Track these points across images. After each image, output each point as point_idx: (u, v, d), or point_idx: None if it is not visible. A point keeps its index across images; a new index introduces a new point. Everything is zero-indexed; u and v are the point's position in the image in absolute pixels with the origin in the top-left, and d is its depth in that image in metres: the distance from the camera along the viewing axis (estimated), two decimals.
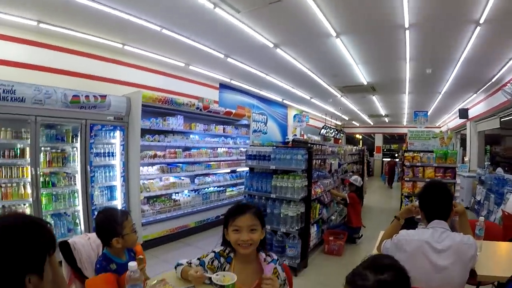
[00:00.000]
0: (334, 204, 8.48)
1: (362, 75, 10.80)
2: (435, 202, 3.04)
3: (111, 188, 6.93)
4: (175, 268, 2.74)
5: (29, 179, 5.63)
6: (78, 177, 6.29)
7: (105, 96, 6.48)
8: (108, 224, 2.80)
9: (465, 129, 16.26)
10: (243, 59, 9.38)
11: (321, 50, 8.40)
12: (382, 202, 14.22)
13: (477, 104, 13.97)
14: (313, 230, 6.71)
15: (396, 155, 24.71)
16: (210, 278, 2.35)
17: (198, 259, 2.69)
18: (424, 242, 2.82)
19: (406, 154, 9.55)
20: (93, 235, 3.12)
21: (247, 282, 2.44)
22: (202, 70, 10.30)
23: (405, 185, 9.31)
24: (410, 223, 3.40)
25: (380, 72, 10.56)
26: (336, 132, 19.22)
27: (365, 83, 11.75)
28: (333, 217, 8.48)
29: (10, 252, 1.38)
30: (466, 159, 15.80)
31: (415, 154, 9.23)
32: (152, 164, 7.67)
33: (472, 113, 14.70)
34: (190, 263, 2.67)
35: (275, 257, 2.62)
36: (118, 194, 6.96)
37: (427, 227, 3.00)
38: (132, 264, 2.05)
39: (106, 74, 8.04)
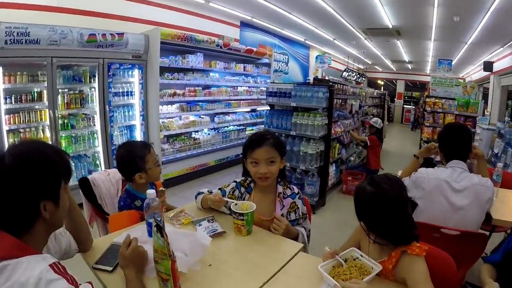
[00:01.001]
0: (353, 145, 8.47)
1: (387, 18, 10.40)
2: (454, 142, 3.04)
3: (130, 128, 6.95)
4: (195, 197, 2.77)
5: (47, 122, 5.58)
6: (97, 118, 6.25)
7: (123, 34, 6.35)
8: (129, 159, 2.69)
9: (488, 82, 15.88)
10: None
11: None
12: (401, 147, 14.18)
13: (503, 58, 13.56)
14: (332, 169, 6.73)
15: (417, 103, 24.31)
16: (230, 208, 2.37)
17: (219, 189, 2.71)
18: (443, 181, 2.85)
19: (427, 100, 9.40)
20: (113, 170, 3.16)
21: (265, 213, 2.46)
22: (222, 7, 9.99)
23: (424, 130, 9.22)
24: (428, 164, 3.38)
25: (406, 16, 10.15)
26: (358, 75, 18.90)
27: (390, 26, 11.34)
28: (352, 158, 8.51)
29: (24, 177, 1.37)
30: (487, 112, 15.55)
31: (437, 100, 9.07)
32: (172, 103, 7.61)
33: (497, 66, 14.27)
34: (211, 192, 2.69)
35: (296, 190, 2.62)
36: (138, 133, 6.97)
37: (446, 167, 3.00)
38: (151, 192, 2.02)
39: (123, 12, 7.82)
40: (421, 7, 8.97)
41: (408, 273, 1.80)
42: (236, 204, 2.35)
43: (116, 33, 6.22)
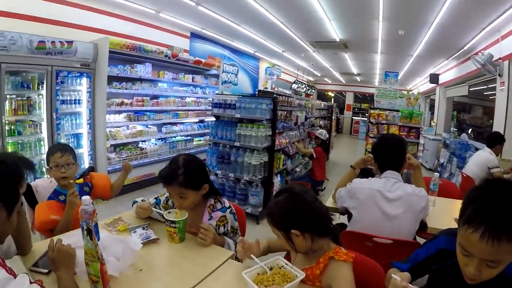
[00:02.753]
0: (299, 156, 8.62)
1: (334, 31, 10.70)
2: (387, 153, 3.11)
3: (77, 136, 6.90)
4: (132, 205, 2.87)
5: None
6: (44, 125, 6.21)
7: (72, 42, 6.34)
8: (46, 154, 2.97)
9: (435, 94, 16.54)
10: (215, 8, 9.18)
11: (294, 3, 8.29)
12: (347, 158, 14.25)
13: (448, 70, 14.15)
14: (277, 180, 6.79)
15: (366, 114, 24.82)
16: (163, 216, 2.45)
17: (155, 198, 2.85)
18: (376, 191, 2.91)
19: (372, 111, 9.79)
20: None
21: (193, 224, 2.53)
22: (173, 18, 10.05)
23: (369, 141, 9.58)
24: (367, 174, 3.50)
25: (353, 30, 10.50)
26: (308, 87, 19.27)
27: (338, 39, 11.66)
28: (297, 169, 8.63)
29: None
30: (433, 123, 16.15)
31: (381, 112, 9.48)
32: (119, 112, 7.60)
33: (442, 78, 14.88)
34: (145, 201, 2.81)
35: (227, 204, 2.71)
36: (85, 142, 6.94)
37: (380, 177, 3.08)
38: (85, 198, 1.96)
39: (73, 20, 7.74)
40: (367, 21, 9.29)
41: (334, 278, 1.87)
42: (169, 212, 2.46)
43: (66, 41, 6.20)
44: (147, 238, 2.40)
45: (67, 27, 7.43)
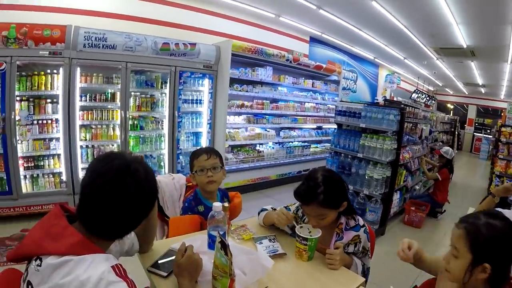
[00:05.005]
0: (420, 172, 8.07)
1: (462, 37, 9.99)
2: None
3: (196, 134, 7.14)
4: (258, 213, 2.72)
5: (118, 121, 5.96)
6: (166, 122, 6.54)
7: (195, 44, 6.57)
8: (190, 158, 2.86)
9: None
10: (336, 12, 9.00)
11: (421, 6, 7.85)
12: (469, 179, 13.34)
13: None
14: (396, 197, 6.43)
15: (489, 131, 23.03)
16: (292, 229, 2.33)
17: (285, 207, 2.62)
18: None
19: (503, 129, 8.91)
20: (178, 175, 3.18)
21: (323, 241, 2.31)
22: (292, 22, 10.04)
23: (498, 163, 8.69)
24: (503, 204, 3.13)
25: (482, 36, 9.70)
26: (428, 98, 18.39)
27: (465, 46, 10.88)
28: (417, 187, 8.14)
29: (147, 197, 1.52)
30: None
31: None
32: (239, 114, 7.75)
33: None
34: (275, 209, 2.61)
35: (361, 222, 2.44)
36: (203, 140, 7.16)
37: None
38: (217, 205, 2.01)
39: (196, 23, 8.10)
40: (498, 26, 8.54)
41: None
42: (301, 227, 2.26)
43: (189, 43, 6.45)
44: (274, 252, 2.23)
45: (190, 31, 7.85)
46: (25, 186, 5.44)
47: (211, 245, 2.03)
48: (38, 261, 1.30)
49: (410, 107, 6.72)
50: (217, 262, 1.59)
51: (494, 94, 21.96)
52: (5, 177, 5.23)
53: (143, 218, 1.53)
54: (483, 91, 21.66)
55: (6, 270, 1.59)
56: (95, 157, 5.66)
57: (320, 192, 2.16)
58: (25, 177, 5.46)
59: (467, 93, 23.88)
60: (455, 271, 1.66)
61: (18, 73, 5.07)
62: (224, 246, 1.55)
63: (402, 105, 6.46)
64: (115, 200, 1.37)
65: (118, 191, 1.37)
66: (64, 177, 5.69)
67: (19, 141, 5.24)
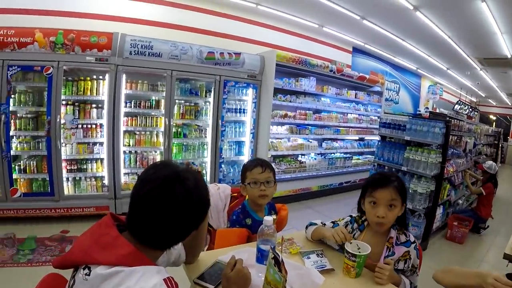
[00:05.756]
0: (463, 187, 7.83)
1: (506, 47, 9.79)
2: None
3: (239, 144, 7.19)
4: (306, 227, 2.67)
5: (162, 128, 6.04)
6: (209, 130, 6.59)
7: (239, 53, 6.61)
8: (242, 168, 2.81)
9: None
10: (379, 22, 8.97)
11: (465, 15, 7.74)
12: None
13: None
14: (439, 211, 6.25)
15: None
16: (340, 244, 2.27)
17: (332, 222, 2.61)
18: None
19: None
20: (223, 185, 3.17)
21: (373, 255, 2.24)
22: (335, 32, 10.04)
23: None
24: None
25: None
26: (470, 109, 18.00)
27: (509, 56, 10.65)
28: (460, 201, 7.88)
29: (199, 209, 1.50)
30: None
31: None
32: (282, 124, 7.75)
33: None
34: (325, 224, 2.59)
35: (412, 238, 2.38)
36: (246, 149, 7.20)
37: None
38: (268, 219, 1.98)
39: (240, 33, 8.20)
40: None
41: None
42: (351, 243, 2.20)
43: (234, 53, 6.49)
44: (322, 267, 2.16)
45: (234, 40, 7.98)
46: (67, 188, 5.56)
47: (259, 259, 2.01)
48: (86, 270, 1.29)
49: (455, 120, 6.58)
50: (270, 278, 1.56)
51: None
52: (47, 179, 5.37)
53: (193, 228, 1.51)
54: None
55: (51, 274, 1.60)
56: (138, 162, 5.86)
57: (395, 180, 2.29)
58: (67, 179, 5.59)
59: (510, 104, 23.28)
60: None
61: (64, 77, 5.23)
62: (278, 263, 1.52)
63: (447, 118, 6.32)
64: (162, 207, 1.35)
65: (166, 198, 1.35)
66: (106, 181, 5.79)
67: (63, 144, 5.39)
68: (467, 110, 17.15)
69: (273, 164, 7.11)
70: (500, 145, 16.73)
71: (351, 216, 2.54)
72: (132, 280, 1.24)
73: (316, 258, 2.30)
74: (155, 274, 1.31)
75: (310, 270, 1.93)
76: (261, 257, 1.99)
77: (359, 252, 2.11)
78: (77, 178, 5.70)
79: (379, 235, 2.37)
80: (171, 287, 1.31)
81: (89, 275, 1.27)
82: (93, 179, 5.79)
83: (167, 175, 1.40)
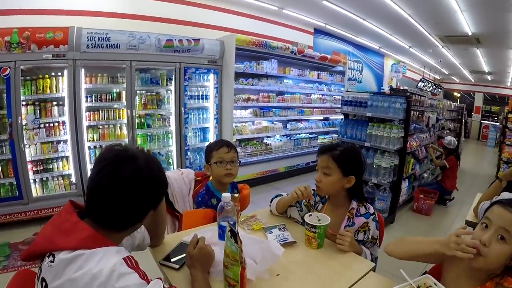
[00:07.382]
0: (428, 160, 8.04)
1: (466, 24, 9.88)
2: None
3: (204, 130, 7.17)
4: (271, 201, 2.76)
5: (125, 120, 5.98)
6: (172, 119, 6.57)
7: (198, 39, 6.58)
8: (207, 148, 2.90)
9: None
10: (339, 2, 8.97)
11: None
12: (477, 166, 13.28)
13: None
14: (404, 185, 6.44)
15: (496, 118, 22.78)
16: (303, 217, 2.31)
17: None
18: None
19: (510, 116, 8.90)
20: (186, 170, 3.21)
21: (333, 226, 2.32)
22: (296, 14, 10.01)
23: (505, 149, 8.74)
24: (510, 188, 3.11)
25: (487, 22, 9.58)
26: (434, 86, 18.24)
27: (470, 33, 10.77)
28: (425, 175, 8.13)
29: (152, 188, 1.51)
30: None
31: None
32: (245, 108, 7.80)
33: None
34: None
35: (372, 210, 2.47)
36: (211, 135, 7.20)
37: None
38: (226, 195, 2.03)
39: (199, 19, 8.11)
40: (503, 12, 8.45)
41: None
42: (310, 215, 2.27)
43: (192, 39, 6.46)
44: (284, 240, 2.24)
45: (193, 26, 7.86)
46: (35, 190, 5.46)
47: (221, 236, 2.05)
48: (51, 257, 1.31)
49: (416, 95, 6.69)
50: (228, 251, 1.60)
51: (501, 82, 21.74)
52: (14, 182, 5.25)
53: (148, 208, 1.53)
54: (489, 79, 21.48)
55: (21, 271, 1.62)
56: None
57: (337, 149, 2.39)
58: (34, 181, 5.47)
59: (473, 81, 23.70)
60: (495, 257, 1.52)
61: (22, 77, 5.07)
62: (234, 234, 1.55)
63: (408, 93, 6.43)
64: (111, 186, 1.37)
65: (114, 177, 1.38)
66: (73, 179, 5.71)
67: (27, 146, 5.25)
68: (431, 87, 17.42)
69: (238, 148, 7.22)
70: (464, 120, 17.07)
71: (313, 189, 2.58)
72: (93, 262, 1.27)
73: (278, 232, 2.36)
74: (115, 253, 1.35)
75: (270, 243, 1.95)
76: (222, 234, 2.04)
77: (319, 223, 2.16)
78: (44, 179, 5.59)
79: (340, 206, 2.47)
80: (131, 265, 1.34)
81: (53, 261, 1.29)
82: (60, 178, 5.70)
83: (116, 155, 1.44)
